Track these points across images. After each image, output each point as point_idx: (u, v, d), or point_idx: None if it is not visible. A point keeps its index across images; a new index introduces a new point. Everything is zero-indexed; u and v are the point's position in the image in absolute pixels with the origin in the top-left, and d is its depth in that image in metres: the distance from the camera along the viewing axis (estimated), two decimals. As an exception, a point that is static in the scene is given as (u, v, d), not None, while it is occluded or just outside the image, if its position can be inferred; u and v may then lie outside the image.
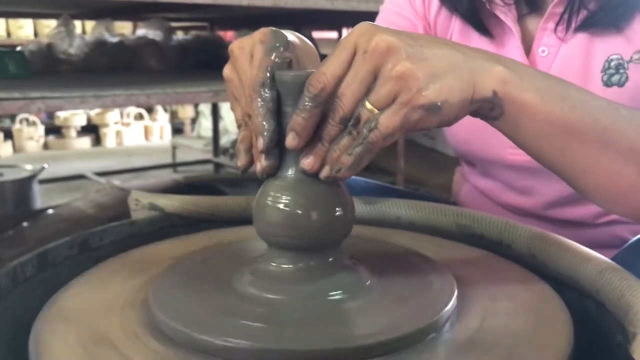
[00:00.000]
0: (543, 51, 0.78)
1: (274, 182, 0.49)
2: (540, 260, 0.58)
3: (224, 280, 0.49)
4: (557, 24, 0.76)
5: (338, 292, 0.47)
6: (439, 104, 0.46)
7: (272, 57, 0.49)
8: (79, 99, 1.63)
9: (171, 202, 0.71)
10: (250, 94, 0.48)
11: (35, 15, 4.03)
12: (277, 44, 0.49)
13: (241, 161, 0.50)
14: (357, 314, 0.46)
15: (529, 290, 0.53)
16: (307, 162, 0.47)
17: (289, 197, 0.48)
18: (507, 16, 0.78)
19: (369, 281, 0.50)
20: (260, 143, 0.47)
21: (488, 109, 0.50)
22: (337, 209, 0.48)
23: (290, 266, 0.49)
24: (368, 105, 0.46)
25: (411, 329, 0.43)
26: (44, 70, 2.53)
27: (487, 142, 0.83)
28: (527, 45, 0.79)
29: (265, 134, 0.47)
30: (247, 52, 0.50)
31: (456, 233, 0.67)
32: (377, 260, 0.54)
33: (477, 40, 0.82)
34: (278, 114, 0.48)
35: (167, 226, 0.71)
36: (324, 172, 0.47)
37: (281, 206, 0.48)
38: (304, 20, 3.09)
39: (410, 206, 0.71)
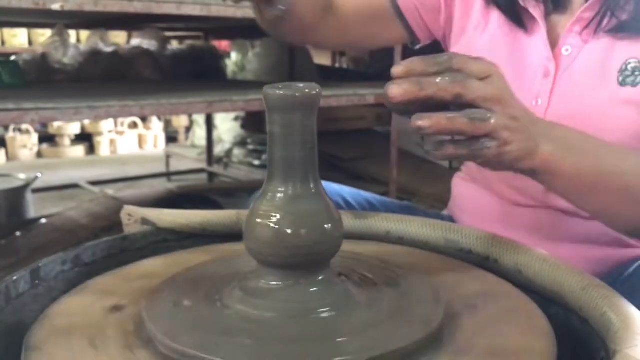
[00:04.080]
0: (567, 50, 0.81)
1: (264, 200, 0.50)
2: (526, 275, 0.59)
3: (214, 297, 0.50)
4: (585, 28, 0.80)
5: (327, 309, 0.48)
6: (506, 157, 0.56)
7: None
8: (72, 110, 1.63)
9: (163, 217, 0.71)
10: None
11: (30, 25, 4.03)
12: None
13: None
14: (347, 330, 0.47)
15: (514, 305, 0.53)
16: (425, 122, 0.51)
17: (278, 216, 0.49)
18: (535, 10, 0.82)
19: (358, 298, 0.51)
20: None
21: (526, 174, 0.61)
22: (326, 227, 0.49)
23: (279, 284, 0.49)
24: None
25: (400, 344, 0.44)
26: (38, 79, 2.53)
27: None
28: (553, 41, 0.83)
29: None
30: None
31: (445, 248, 0.68)
32: (366, 277, 0.55)
33: (513, 32, 0.86)
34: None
35: (159, 241, 0.71)
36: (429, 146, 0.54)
37: (270, 224, 0.48)
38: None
39: (400, 221, 0.72)
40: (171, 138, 5.56)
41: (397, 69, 0.51)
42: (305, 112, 0.49)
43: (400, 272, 0.57)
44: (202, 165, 4.01)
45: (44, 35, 4.51)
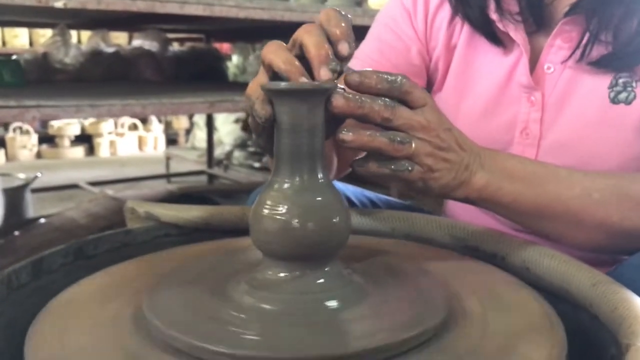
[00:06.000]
0: (549, 68, 0.77)
1: (271, 191, 0.49)
2: (534, 272, 0.59)
3: (219, 289, 0.49)
4: (567, 59, 0.75)
5: (334, 301, 0.48)
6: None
7: None
8: (74, 108, 1.63)
9: (167, 212, 0.71)
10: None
11: (31, 25, 4.03)
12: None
13: (266, 110, 0.50)
14: (353, 322, 0.46)
15: (523, 302, 0.53)
16: (347, 136, 0.53)
17: (285, 207, 0.48)
18: (516, 33, 0.77)
19: (364, 291, 0.50)
20: (345, 47, 0.51)
21: (463, 202, 0.62)
22: (333, 219, 0.49)
23: (286, 275, 0.49)
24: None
25: (405, 336, 0.43)
26: (39, 79, 2.53)
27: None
28: (534, 59, 0.78)
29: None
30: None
31: (450, 245, 0.68)
32: (372, 270, 0.54)
33: (484, 52, 0.81)
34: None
35: (162, 235, 0.71)
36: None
37: (278, 216, 0.48)
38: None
39: (405, 218, 0.71)
40: (171, 140, 5.55)
41: (352, 78, 0.53)
42: (313, 101, 0.49)
43: (405, 266, 0.56)
44: (202, 167, 4.00)
45: (44, 36, 4.51)
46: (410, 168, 0.55)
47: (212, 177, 3.84)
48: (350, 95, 0.52)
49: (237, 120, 3.91)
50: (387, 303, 0.49)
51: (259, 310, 0.46)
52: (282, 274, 0.49)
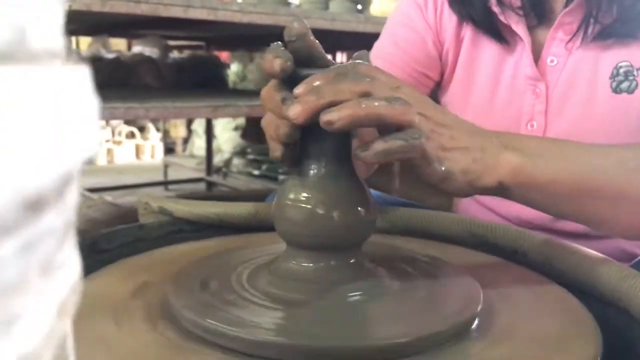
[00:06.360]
0: (552, 61, 0.79)
1: (295, 180, 0.48)
2: (557, 268, 0.58)
3: (241, 278, 0.48)
4: (570, 40, 0.77)
5: (358, 293, 0.46)
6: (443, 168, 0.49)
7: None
8: (77, 111, 1.61)
9: (181, 207, 0.70)
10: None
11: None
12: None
13: (279, 150, 0.47)
14: (377, 315, 0.45)
15: (552, 298, 0.52)
16: (333, 115, 0.43)
17: (310, 195, 0.47)
18: (518, 26, 0.79)
19: (389, 284, 0.49)
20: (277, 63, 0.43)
21: (495, 193, 0.53)
22: (359, 208, 0.47)
23: (310, 265, 0.48)
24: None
25: (432, 330, 0.42)
26: (39, 84, 2.52)
27: None
28: (537, 54, 0.80)
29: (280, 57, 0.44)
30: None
31: (469, 242, 0.67)
32: (396, 264, 0.53)
33: (488, 48, 0.83)
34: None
35: (176, 231, 0.69)
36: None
37: (302, 204, 0.47)
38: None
39: (422, 215, 0.71)
40: (168, 149, 5.54)
41: (297, 90, 0.44)
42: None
43: (431, 261, 0.55)
44: (201, 174, 3.98)
45: (43, 42, 4.50)
46: (418, 136, 0.45)
47: (210, 185, 3.83)
48: (304, 95, 0.43)
49: (236, 128, 3.91)
50: (412, 298, 0.47)
51: (281, 299, 0.45)
52: (306, 264, 0.48)
